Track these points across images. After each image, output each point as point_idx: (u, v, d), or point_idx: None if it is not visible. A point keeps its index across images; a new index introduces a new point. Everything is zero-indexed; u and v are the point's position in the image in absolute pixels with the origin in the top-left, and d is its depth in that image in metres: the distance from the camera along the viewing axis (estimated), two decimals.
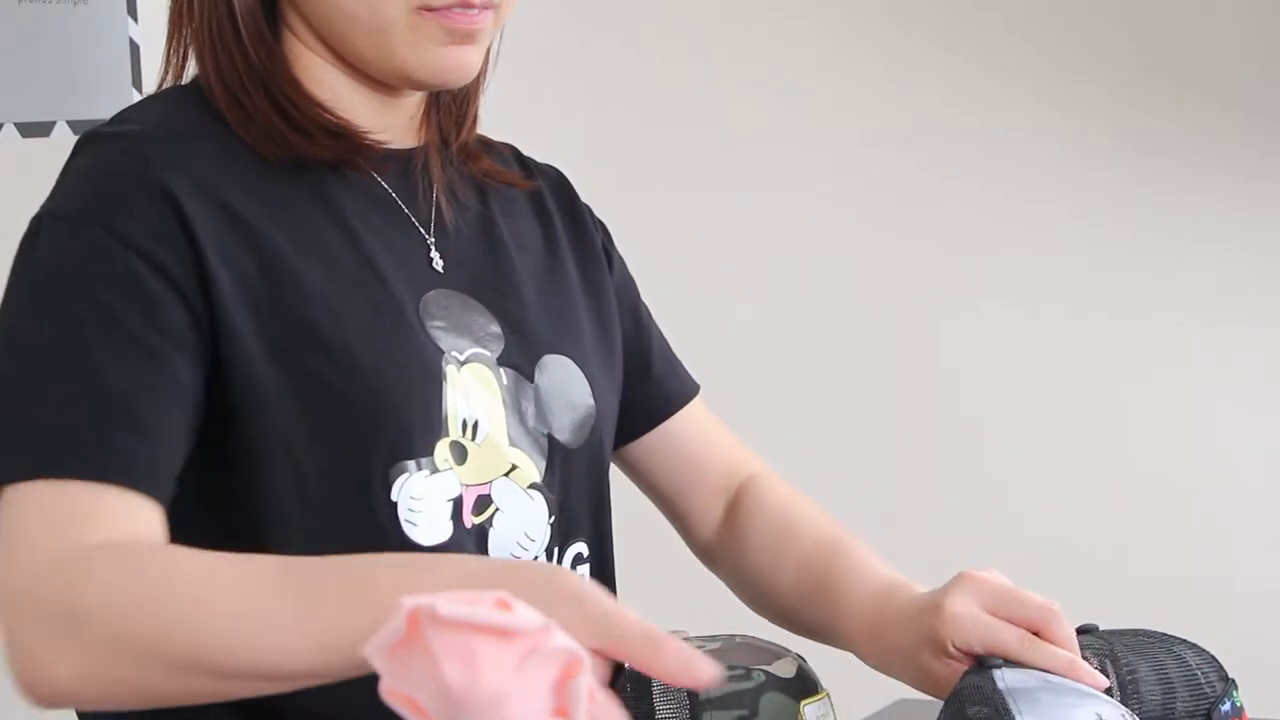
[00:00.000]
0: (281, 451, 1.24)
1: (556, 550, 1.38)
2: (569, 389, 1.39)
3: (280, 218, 1.27)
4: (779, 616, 1.58)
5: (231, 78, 1.29)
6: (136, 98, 2.08)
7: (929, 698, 1.50)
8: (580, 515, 1.40)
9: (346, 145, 1.31)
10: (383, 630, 0.71)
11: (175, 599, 1.09)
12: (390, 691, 0.71)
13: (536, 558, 1.35)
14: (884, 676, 2.24)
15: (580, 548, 1.41)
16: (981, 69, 3.21)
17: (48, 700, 1.14)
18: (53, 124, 2.03)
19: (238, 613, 1.08)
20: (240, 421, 1.23)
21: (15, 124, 2.01)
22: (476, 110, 1.44)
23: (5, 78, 2.01)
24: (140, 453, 1.17)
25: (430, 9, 1.27)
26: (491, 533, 1.31)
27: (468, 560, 1.12)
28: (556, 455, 1.38)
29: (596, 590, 1.00)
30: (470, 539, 1.30)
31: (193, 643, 1.08)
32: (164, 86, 1.36)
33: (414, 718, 0.71)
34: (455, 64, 1.29)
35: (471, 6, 1.28)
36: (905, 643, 1.40)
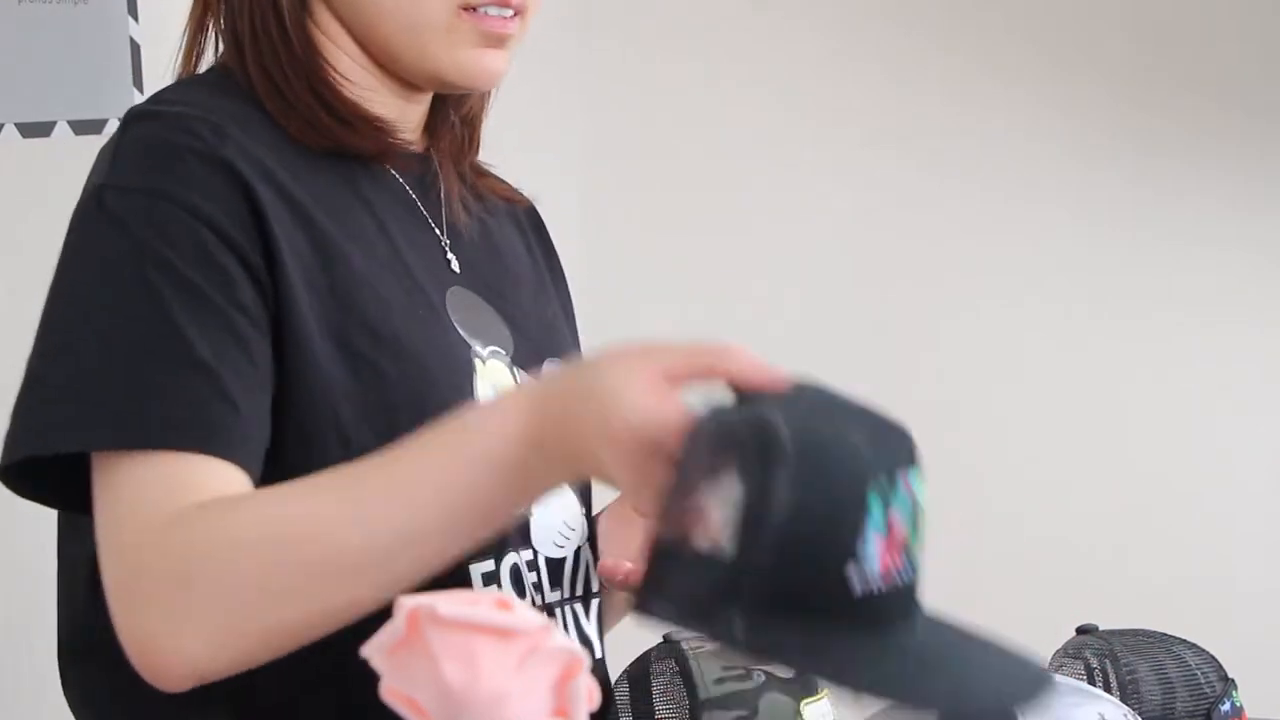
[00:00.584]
0: (332, 433, 1.23)
1: (588, 544, 1.38)
2: None
3: (322, 202, 1.27)
4: None
5: (274, 68, 1.29)
6: (138, 97, 2.08)
7: None
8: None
9: (384, 138, 1.32)
10: (383, 630, 0.71)
11: (282, 522, 1.12)
12: (390, 691, 0.71)
13: (577, 548, 1.35)
14: None
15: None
16: (980, 69, 3.22)
17: (182, 679, 1.14)
18: (53, 124, 2.03)
19: (345, 509, 1.12)
20: (294, 400, 1.22)
21: (15, 124, 2.00)
22: (480, 133, 1.45)
23: (5, 78, 2.01)
24: (235, 426, 1.17)
25: (469, 9, 1.28)
26: (534, 521, 1.32)
27: (507, 403, 1.14)
28: None
29: (624, 365, 1.06)
30: (514, 527, 1.30)
31: (319, 549, 1.11)
32: (181, 76, 1.36)
33: (414, 718, 0.71)
34: (488, 67, 1.31)
35: (508, 6, 1.30)
36: None
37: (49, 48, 2.04)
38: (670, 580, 0.98)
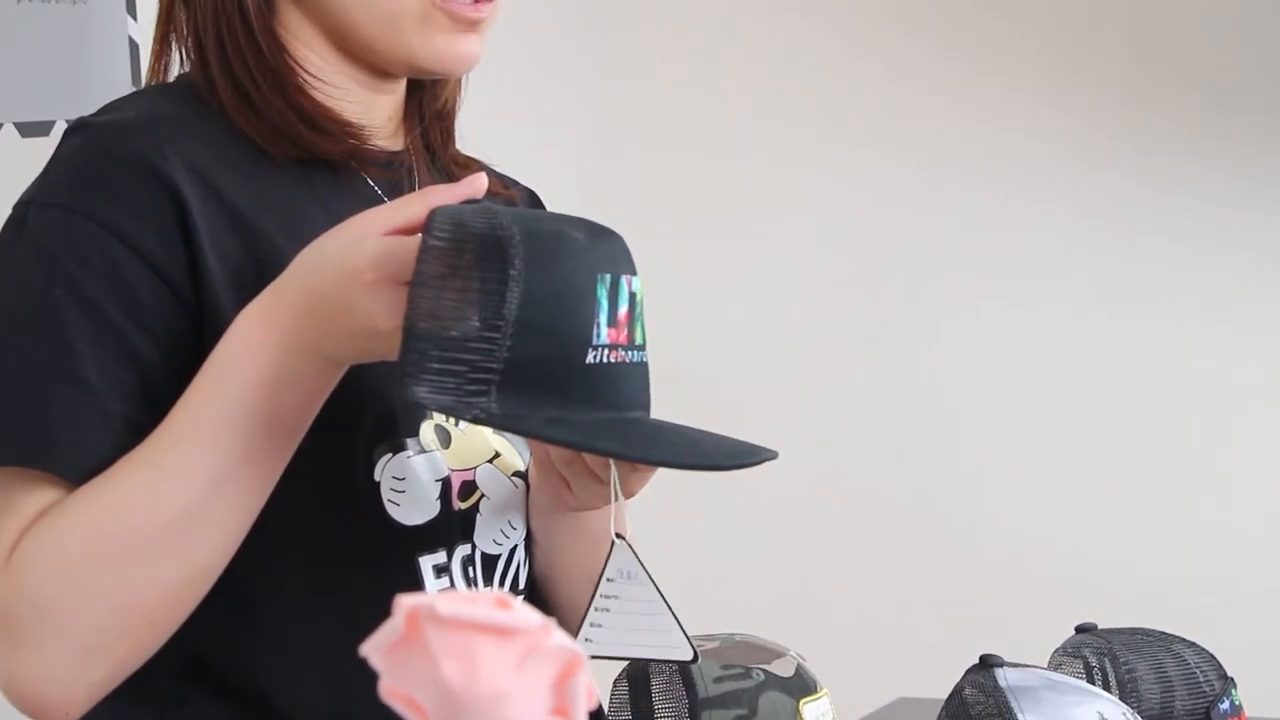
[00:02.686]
0: None
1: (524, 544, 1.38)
2: None
3: (271, 206, 1.27)
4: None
5: (243, 75, 1.29)
6: None
7: (929, 696, 1.50)
8: None
9: (354, 142, 1.32)
10: (381, 629, 0.71)
11: (95, 518, 1.15)
12: (389, 691, 0.71)
13: (514, 547, 1.36)
14: (884, 675, 2.24)
15: None
16: (981, 68, 3.21)
17: (76, 705, 1.18)
18: (52, 123, 2.03)
19: (146, 481, 1.15)
20: None
21: (15, 124, 2.01)
22: (455, 126, 1.46)
23: (5, 77, 2.01)
24: (106, 449, 1.18)
25: None
26: (479, 519, 1.33)
27: (252, 332, 1.16)
28: (540, 446, 1.39)
29: (363, 246, 1.11)
30: (456, 522, 1.31)
31: (137, 528, 1.15)
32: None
33: (413, 717, 0.71)
34: (463, 52, 1.31)
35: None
36: None
37: (48, 47, 2.04)
38: (427, 365, 1.07)
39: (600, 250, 1.12)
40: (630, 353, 1.13)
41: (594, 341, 1.10)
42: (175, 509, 1.14)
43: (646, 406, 1.16)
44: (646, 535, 1.76)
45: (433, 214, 1.08)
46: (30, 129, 2.02)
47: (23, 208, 1.24)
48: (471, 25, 1.31)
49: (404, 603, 0.69)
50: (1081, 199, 3.19)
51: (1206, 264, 3.14)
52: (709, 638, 1.50)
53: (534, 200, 1.51)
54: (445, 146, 1.43)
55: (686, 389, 3.41)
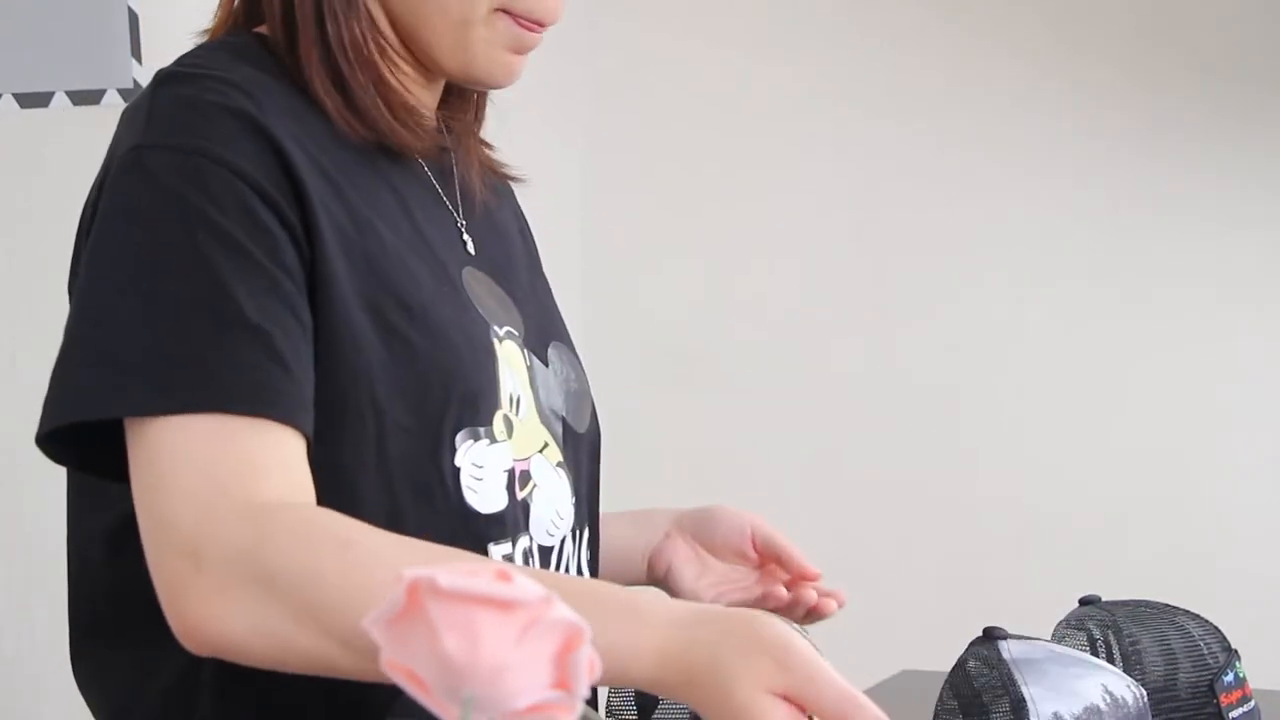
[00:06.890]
0: (367, 401, 1.21)
1: (577, 532, 1.38)
2: (571, 375, 1.41)
3: (348, 175, 1.26)
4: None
5: (340, 56, 1.27)
6: (136, 67, 2.07)
7: (932, 669, 1.50)
8: (588, 500, 1.41)
9: (428, 136, 1.33)
10: (383, 602, 0.70)
11: (367, 581, 1.07)
12: (390, 664, 0.71)
13: (564, 538, 1.35)
14: (887, 647, 2.24)
15: (590, 532, 1.41)
16: (985, 42, 3.21)
17: (209, 648, 1.11)
18: (51, 94, 2.02)
19: None
20: (331, 367, 1.20)
21: (14, 94, 2.00)
22: (486, 106, 1.47)
23: (3, 48, 2.00)
24: (289, 387, 1.14)
25: (507, 12, 1.29)
26: (533, 507, 1.32)
27: (671, 604, 1.10)
28: (569, 438, 1.39)
29: (798, 639, 1.02)
30: (520, 513, 1.30)
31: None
32: (209, 36, 1.34)
33: (414, 690, 0.70)
34: (515, 70, 1.33)
35: (543, 27, 1.32)
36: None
37: (47, 18, 2.04)
38: None
39: None
40: None
41: None
42: None
43: None
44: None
45: None
46: (29, 99, 2.01)
47: (135, 153, 1.18)
48: (525, 48, 1.32)
49: (405, 576, 0.69)
50: (1082, 174, 3.18)
51: (1207, 240, 3.14)
52: None
53: (511, 189, 1.52)
54: (478, 129, 1.45)
55: (690, 367, 3.41)
